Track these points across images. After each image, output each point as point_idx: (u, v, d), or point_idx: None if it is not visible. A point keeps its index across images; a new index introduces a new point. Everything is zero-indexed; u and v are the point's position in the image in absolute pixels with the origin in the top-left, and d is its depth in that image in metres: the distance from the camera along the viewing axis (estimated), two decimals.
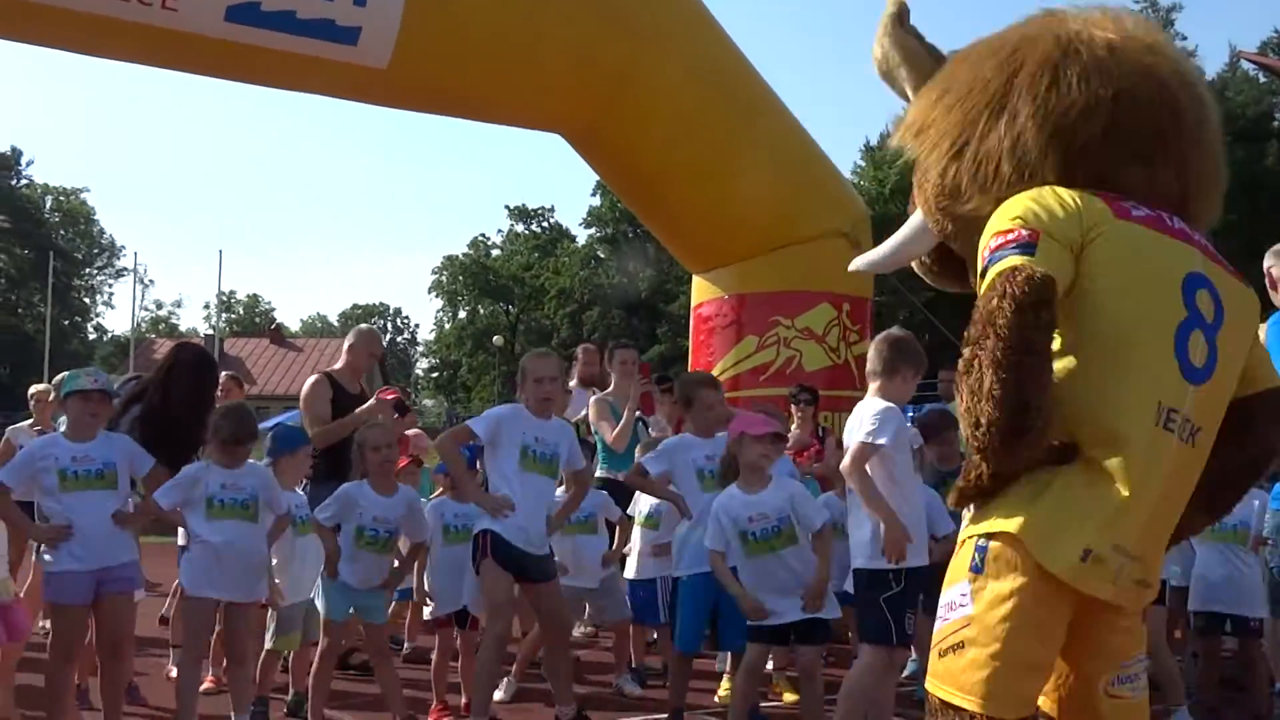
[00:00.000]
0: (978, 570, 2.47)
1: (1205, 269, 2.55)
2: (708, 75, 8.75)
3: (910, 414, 10.18)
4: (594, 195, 50.16)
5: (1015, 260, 2.40)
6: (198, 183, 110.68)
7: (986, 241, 2.52)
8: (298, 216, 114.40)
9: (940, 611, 2.57)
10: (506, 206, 61.12)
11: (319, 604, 5.43)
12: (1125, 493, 2.39)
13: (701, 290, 9.62)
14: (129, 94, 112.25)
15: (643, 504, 6.43)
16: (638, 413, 7.12)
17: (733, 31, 9.17)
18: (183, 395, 5.42)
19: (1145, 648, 2.70)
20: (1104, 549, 2.39)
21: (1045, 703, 2.65)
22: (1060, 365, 2.48)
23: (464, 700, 5.67)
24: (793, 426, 7.29)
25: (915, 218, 3.11)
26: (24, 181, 54.37)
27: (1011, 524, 2.43)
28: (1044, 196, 2.53)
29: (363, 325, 8.24)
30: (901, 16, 3.17)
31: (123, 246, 63.04)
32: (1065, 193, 2.54)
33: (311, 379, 6.53)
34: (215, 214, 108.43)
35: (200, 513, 4.86)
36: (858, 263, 3.51)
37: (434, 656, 5.70)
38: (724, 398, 5.95)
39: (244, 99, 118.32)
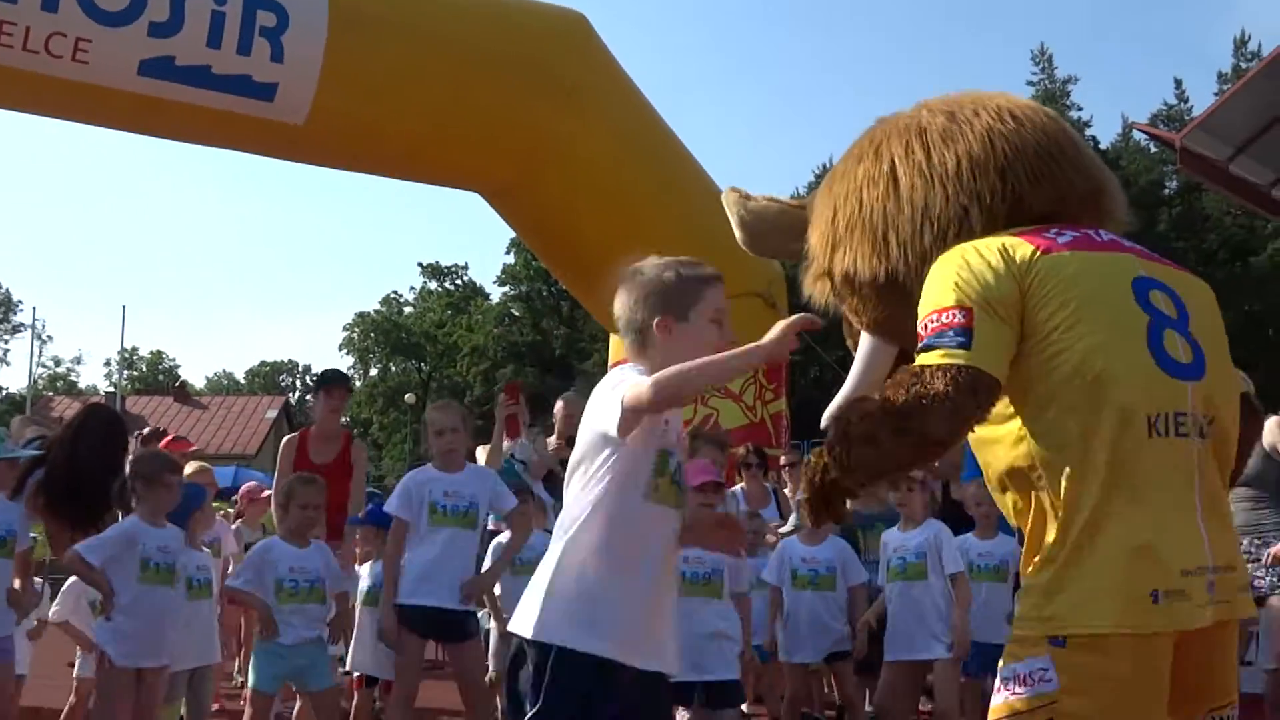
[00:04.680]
0: (1059, 645, 2.23)
1: (1148, 270, 2.45)
2: (626, 135, 8.88)
3: None
4: (508, 253, 50.07)
5: (949, 358, 2.30)
6: (100, 238, 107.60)
7: (924, 315, 2.41)
8: (204, 272, 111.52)
9: (1008, 683, 2.28)
10: (419, 263, 60.79)
11: (250, 674, 5.21)
12: (1159, 520, 2.23)
13: (619, 348, 9.63)
14: (28, 145, 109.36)
15: None
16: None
17: (649, 88, 9.32)
18: (90, 455, 5.26)
19: (1235, 689, 2.43)
20: (1173, 581, 2.21)
21: None
22: (1039, 427, 2.32)
23: None
24: (739, 486, 7.24)
25: (865, 342, 2.96)
26: None
27: (1073, 619, 2.22)
28: (971, 259, 2.41)
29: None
30: (739, 190, 3.36)
31: (19, 301, 61.17)
32: (991, 248, 2.43)
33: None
34: (118, 270, 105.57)
35: (131, 575, 4.66)
36: (827, 415, 2.80)
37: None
38: None
39: (149, 151, 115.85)
